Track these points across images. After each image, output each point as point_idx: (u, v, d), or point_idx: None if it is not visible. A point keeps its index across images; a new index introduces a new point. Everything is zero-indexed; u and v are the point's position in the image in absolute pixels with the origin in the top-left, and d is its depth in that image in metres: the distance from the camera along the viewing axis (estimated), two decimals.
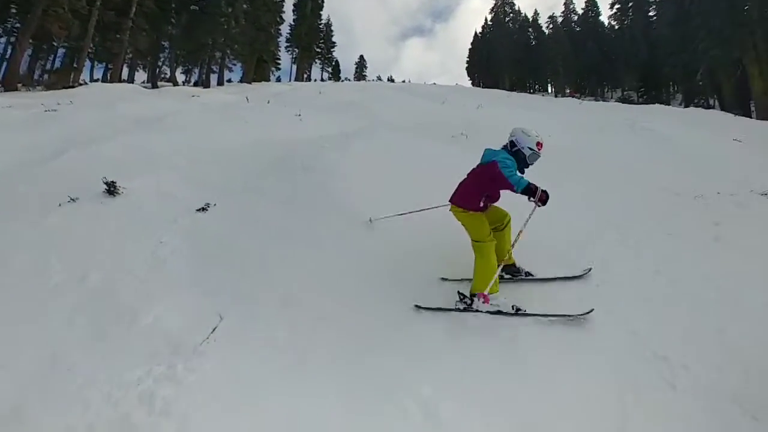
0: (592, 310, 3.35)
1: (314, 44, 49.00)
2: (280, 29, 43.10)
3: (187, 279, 4.18)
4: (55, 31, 23.76)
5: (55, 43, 27.89)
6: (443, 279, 4.16)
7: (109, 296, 3.86)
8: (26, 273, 4.14)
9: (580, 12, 51.42)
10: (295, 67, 47.54)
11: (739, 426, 2.54)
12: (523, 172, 3.81)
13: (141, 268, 4.31)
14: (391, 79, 54.25)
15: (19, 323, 3.48)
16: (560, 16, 52.78)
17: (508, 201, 4.05)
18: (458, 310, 3.64)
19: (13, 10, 24.93)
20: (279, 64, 46.05)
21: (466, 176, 4.05)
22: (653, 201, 5.67)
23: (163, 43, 32.27)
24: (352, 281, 4.13)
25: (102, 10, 25.57)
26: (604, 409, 2.69)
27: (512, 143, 3.83)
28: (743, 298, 3.51)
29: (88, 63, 31.28)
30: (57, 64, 30.61)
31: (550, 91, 50.77)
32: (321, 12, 49.25)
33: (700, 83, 33.85)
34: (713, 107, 30.31)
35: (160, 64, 33.46)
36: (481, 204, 3.83)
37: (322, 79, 49.03)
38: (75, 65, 28.08)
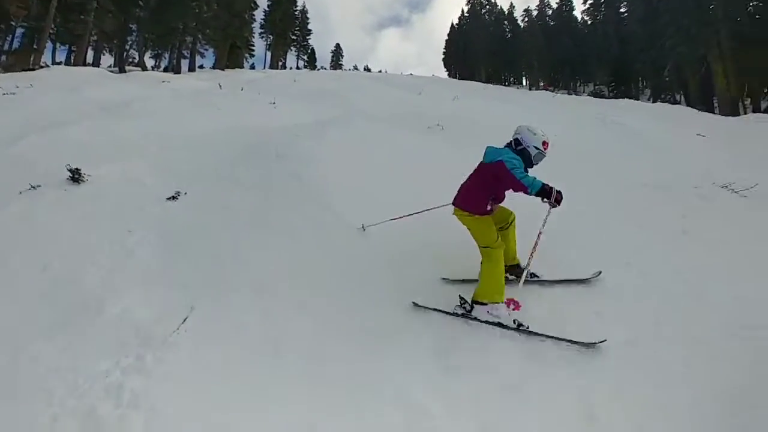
0: (604, 341, 3.06)
1: (289, 31, 47.95)
2: (254, 15, 42.00)
3: (156, 268, 4.08)
4: (13, 11, 22.51)
5: (13, 23, 26.37)
6: (444, 279, 3.97)
7: (74, 286, 3.74)
8: None
9: (555, 6, 52.09)
10: (269, 54, 46.46)
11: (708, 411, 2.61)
12: (527, 172, 3.50)
13: (108, 257, 4.19)
14: (367, 69, 53.62)
15: None
16: (535, 9, 53.22)
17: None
18: (456, 314, 3.49)
19: None
20: (253, 50, 44.96)
21: (467, 178, 3.78)
22: (625, 193, 5.79)
23: (130, 25, 30.79)
24: (328, 270, 4.09)
25: None
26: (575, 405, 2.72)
27: (517, 141, 3.58)
28: (708, 291, 3.58)
29: (49, 44, 29.69)
30: (15, 44, 28.99)
31: (524, 84, 51.31)
32: None
33: (667, 79, 34.88)
34: (679, 103, 31.39)
35: (127, 47, 31.96)
36: (489, 207, 3.58)
37: (297, 67, 48.12)
38: (35, 46, 26.63)
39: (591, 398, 2.71)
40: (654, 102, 30.61)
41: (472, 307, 3.46)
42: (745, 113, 23.86)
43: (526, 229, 3.76)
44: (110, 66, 30.92)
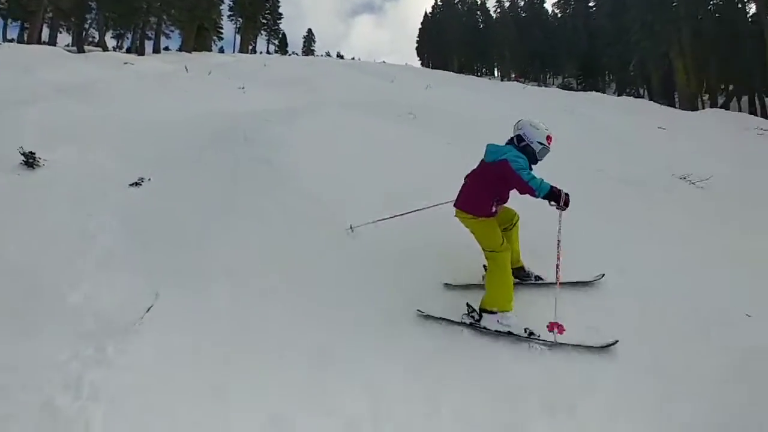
0: (616, 341, 3.06)
1: (260, 14, 46.50)
2: None
3: (119, 254, 3.92)
4: None
5: None
6: (447, 283, 3.81)
7: (29, 273, 3.55)
8: None
9: None
10: (239, 37, 45.06)
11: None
12: (530, 170, 3.31)
13: (66, 244, 3.99)
14: (340, 56, 52.84)
15: None
16: (507, 0, 53.75)
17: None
18: (463, 324, 3.34)
19: None
20: (221, 33, 43.64)
21: (467, 178, 3.63)
22: (594, 186, 5.86)
23: (90, 3, 29.24)
24: (300, 254, 4.03)
25: None
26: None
27: (519, 137, 3.40)
28: (680, 284, 3.73)
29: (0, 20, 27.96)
30: None
31: (496, 74, 51.83)
32: None
33: (632, 74, 36.11)
34: (643, 96, 32.50)
35: (86, 26, 30.31)
36: (493, 209, 3.41)
37: (268, 52, 46.86)
38: None
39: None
40: (619, 95, 31.62)
41: (480, 316, 3.32)
42: (704, 108, 25.05)
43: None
44: (68, 45, 29.27)
